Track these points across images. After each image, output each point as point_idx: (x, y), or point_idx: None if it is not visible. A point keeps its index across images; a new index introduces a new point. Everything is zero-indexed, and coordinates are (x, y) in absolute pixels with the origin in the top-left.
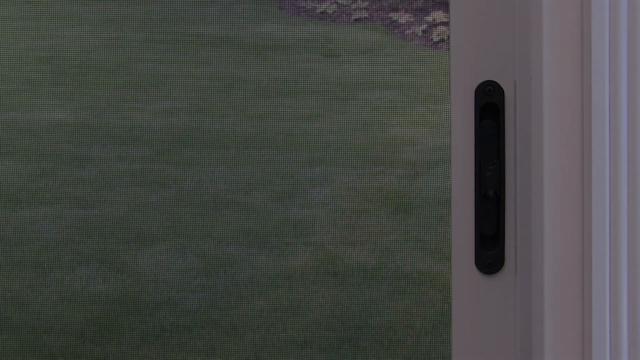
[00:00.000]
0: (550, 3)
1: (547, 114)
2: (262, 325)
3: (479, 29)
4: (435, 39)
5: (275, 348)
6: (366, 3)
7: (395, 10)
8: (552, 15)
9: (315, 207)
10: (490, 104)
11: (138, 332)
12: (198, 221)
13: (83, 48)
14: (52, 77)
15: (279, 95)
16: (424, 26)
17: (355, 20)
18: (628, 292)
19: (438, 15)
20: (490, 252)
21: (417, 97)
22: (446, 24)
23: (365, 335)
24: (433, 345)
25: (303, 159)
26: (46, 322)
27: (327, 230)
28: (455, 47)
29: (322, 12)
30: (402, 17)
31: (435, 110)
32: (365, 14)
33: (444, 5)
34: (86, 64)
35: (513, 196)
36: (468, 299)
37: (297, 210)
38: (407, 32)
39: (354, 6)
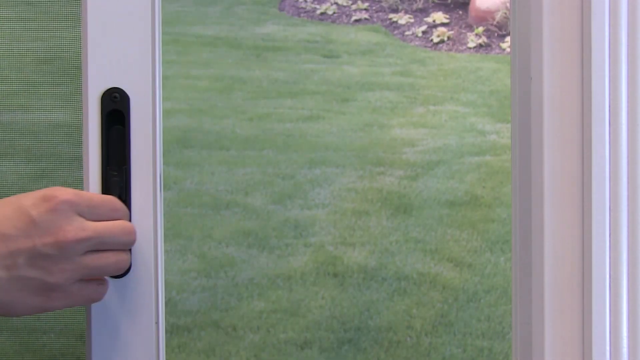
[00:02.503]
0: (550, 3)
1: (547, 114)
2: (262, 326)
3: (109, 35)
4: (435, 40)
5: (275, 348)
6: (366, 4)
7: (395, 11)
8: (552, 15)
9: (315, 208)
10: (117, 111)
11: None
12: (198, 222)
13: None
14: (52, 78)
15: (279, 96)
16: (424, 27)
17: (355, 21)
18: (628, 292)
19: (438, 17)
20: None
21: (417, 98)
22: (446, 25)
23: (366, 336)
24: (433, 346)
25: (303, 160)
26: (46, 322)
27: (327, 231)
28: (85, 52)
29: (322, 14)
30: (402, 19)
31: (435, 111)
32: (365, 15)
33: (444, 7)
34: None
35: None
36: (104, 304)
37: (297, 211)
38: (407, 33)
39: (354, 7)
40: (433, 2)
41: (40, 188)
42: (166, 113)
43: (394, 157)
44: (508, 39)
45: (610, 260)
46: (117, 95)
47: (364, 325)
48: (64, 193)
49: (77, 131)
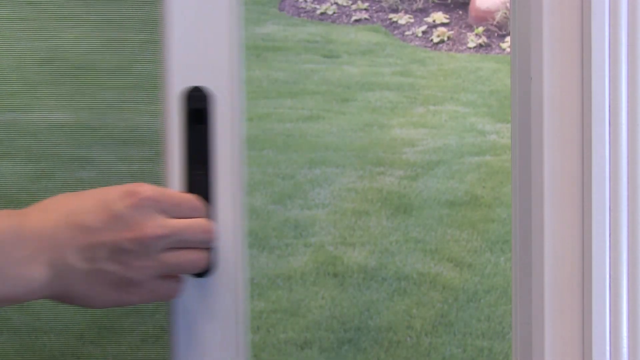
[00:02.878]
0: (550, 3)
1: (547, 114)
2: (262, 326)
3: (189, 33)
4: (435, 40)
5: (275, 348)
6: (366, 4)
7: (395, 11)
8: (552, 15)
9: (315, 208)
10: (200, 110)
11: (138, 333)
12: None
13: (83, 49)
14: (52, 78)
15: (279, 96)
16: (424, 27)
17: (355, 21)
18: (628, 292)
19: (438, 17)
20: None
21: (417, 98)
22: (446, 25)
23: (366, 336)
24: (433, 346)
25: (303, 160)
26: (46, 323)
27: (327, 231)
28: (165, 51)
29: (322, 14)
30: (402, 19)
31: (435, 111)
32: (365, 15)
33: (444, 7)
34: (86, 65)
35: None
36: (183, 302)
37: (297, 211)
38: (407, 33)
39: (354, 7)
40: (433, 2)
41: (40, 188)
42: (166, 113)
43: (394, 157)
44: (508, 39)
45: (610, 260)
46: (199, 94)
47: (364, 325)
48: (147, 189)
49: (78, 131)
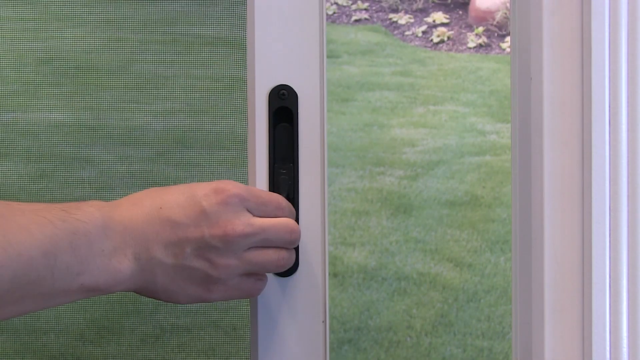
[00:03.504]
0: (550, 3)
1: (547, 114)
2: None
3: (275, 33)
4: (435, 40)
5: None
6: (366, 4)
7: (395, 11)
8: (552, 15)
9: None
10: (284, 108)
11: (138, 333)
12: None
13: (83, 49)
14: (52, 78)
15: None
16: (424, 27)
17: (355, 21)
18: (628, 292)
19: (438, 17)
20: None
21: (417, 98)
22: (446, 25)
23: (365, 336)
24: (433, 346)
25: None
26: (46, 323)
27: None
28: (251, 51)
29: None
30: (402, 19)
31: (435, 111)
32: (365, 15)
33: (444, 7)
34: (86, 65)
35: (306, 198)
36: (264, 301)
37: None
38: (407, 33)
39: (354, 7)
40: (433, 2)
41: (40, 188)
42: (166, 113)
43: (394, 157)
44: (508, 39)
45: (610, 260)
46: (284, 92)
47: (364, 325)
48: (235, 187)
49: (77, 131)
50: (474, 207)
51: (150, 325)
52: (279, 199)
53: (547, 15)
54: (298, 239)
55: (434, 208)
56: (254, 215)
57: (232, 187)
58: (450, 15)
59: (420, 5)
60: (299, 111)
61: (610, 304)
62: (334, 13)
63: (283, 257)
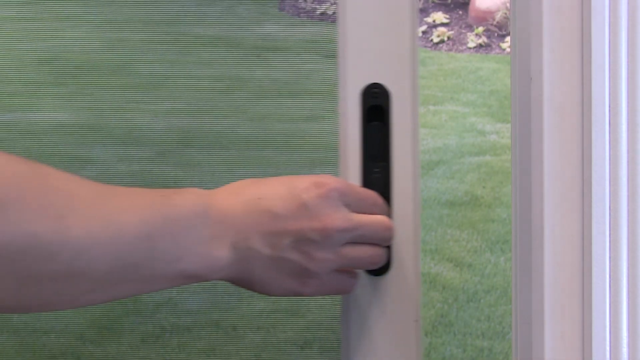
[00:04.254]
0: (550, 3)
1: (547, 114)
2: (262, 326)
3: (366, 30)
4: (435, 40)
5: (275, 348)
6: None
7: None
8: (552, 15)
9: None
10: (376, 106)
11: (138, 333)
12: None
13: (84, 49)
14: (52, 78)
15: (279, 96)
16: (424, 27)
17: None
18: (628, 292)
19: (438, 17)
20: None
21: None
22: (446, 25)
23: None
24: (433, 346)
25: (303, 160)
26: (46, 323)
27: None
28: (342, 49)
29: (322, 13)
30: None
31: (435, 111)
32: None
33: (444, 7)
34: (86, 65)
35: (399, 197)
36: (355, 300)
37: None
38: None
39: None
40: (433, 2)
41: None
42: (166, 113)
43: None
44: (508, 39)
45: (610, 260)
46: (377, 90)
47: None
48: (335, 181)
49: (77, 131)
50: (474, 207)
51: (150, 325)
52: (374, 195)
53: (547, 15)
54: (392, 236)
55: (433, 208)
56: (351, 211)
57: (332, 181)
58: (450, 15)
59: (420, 5)
60: (391, 109)
61: (610, 304)
62: (334, 13)
63: (377, 254)
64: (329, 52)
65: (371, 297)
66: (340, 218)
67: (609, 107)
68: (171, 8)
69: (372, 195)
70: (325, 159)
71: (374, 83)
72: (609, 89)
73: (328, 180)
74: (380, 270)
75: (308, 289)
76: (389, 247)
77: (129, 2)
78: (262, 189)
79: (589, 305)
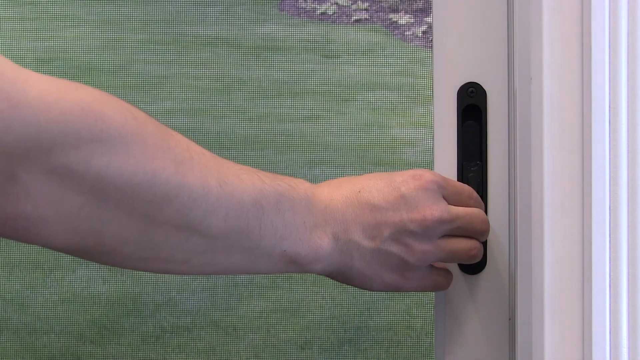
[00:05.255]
0: (550, 3)
1: (547, 114)
2: (262, 326)
3: (461, 30)
4: None
5: (275, 349)
6: (366, 4)
7: (395, 11)
8: (552, 15)
9: None
10: (472, 106)
11: (138, 333)
12: None
13: (83, 49)
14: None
15: (279, 96)
16: (424, 27)
17: (356, 21)
18: (628, 292)
19: None
20: None
21: (417, 98)
22: None
23: (366, 336)
24: (433, 346)
25: (303, 160)
26: (46, 323)
27: None
28: (438, 48)
29: (322, 13)
30: (402, 18)
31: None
32: (365, 15)
33: None
34: (86, 65)
35: (496, 196)
36: (450, 298)
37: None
38: (407, 33)
39: (354, 7)
40: None
41: None
42: (166, 113)
43: (394, 157)
44: None
45: (610, 260)
46: (473, 90)
47: (364, 325)
48: (432, 174)
49: None
50: None
51: (150, 325)
52: (470, 189)
53: (547, 15)
54: (488, 230)
55: None
56: (449, 204)
57: (429, 174)
58: None
59: (420, 5)
60: (488, 108)
61: (610, 304)
62: (334, 13)
63: (475, 247)
64: (329, 52)
65: (466, 295)
66: (439, 209)
67: (609, 107)
68: (171, 8)
69: (468, 188)
70: (325, 159)
71: (470, 82)
72: (609, 89)
73: (426, 173)
74: (476, 269)
75: (409, 283)
76: (484, 247)
77: (128, 2)
78: (361, 183)
79: (589, 305)
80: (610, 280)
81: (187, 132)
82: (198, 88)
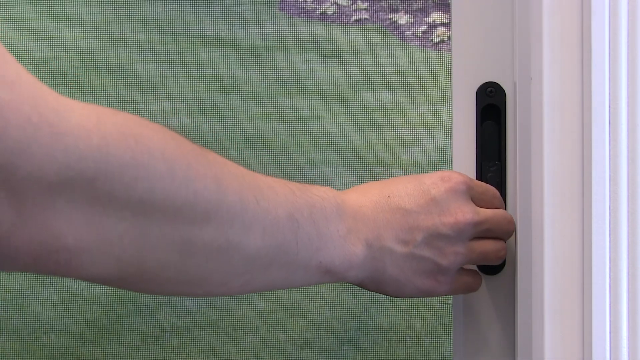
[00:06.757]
0: (550, 3)
1: (547, 114)
2: (262, 326)
3: (480, 29)
4: (435, 40)
5: (275, 349)
6: (366, 4)
7: (395, 11)
8: (552, 15)
9: None
10: (491, 105)
11: (138, 333)
12: None
13: (83, 49)
14: (52, 78)
15: (279, 96)
16: (424, 27)
17: (355, 21)
18: (628, 292)
19: (438, 17)
20: None
21: (417, 98)
22: (446, 25)
23: (366, 336)
24: (433, 347)
25: (303, 160)
26: (46, 323)
27: None
28: (457, 48)
29: (322, 13)
30: (402, 18)
31: (435, 111)
32: (365, 15)
33: (444, 7)
34: (86, 65)
35: (513, 197)
36: (468, 300)
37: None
38: (407, 33)
39: (354, 7)
40: (433, 2)
41: None
42: (166, 113)
43: (394, 157)
44: None
45: (610, 260)
46: (492, 89)
47: (364, 325)
48: (460, 175)
49: None
50: None
51: (150, 325)
52: (494, 189)
53: (547, 15)
54: (513, 230)
55: None
56: (476, 204)
57: (457, 175)
58: (450, 15)
59: (420, 5)
60: (507, 108)
61: (610, 304)
62: (334, 13)
63: (501, 248)
64: (329, 52)
65: (484, 296)
66: (470, 211)
67: (609, 107)
68: (171, 8)
69: (492, 189)
70: (325, 159)
71: (489, 82)
72: (609, 89)
73: (453, 174)
74: (495, 270)
75: (442, 287)
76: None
77: (128, 2)
78: (389, 188)
79: (589, 305)
80: (610, 280)
81: (187, 132)
82: (198, 88)
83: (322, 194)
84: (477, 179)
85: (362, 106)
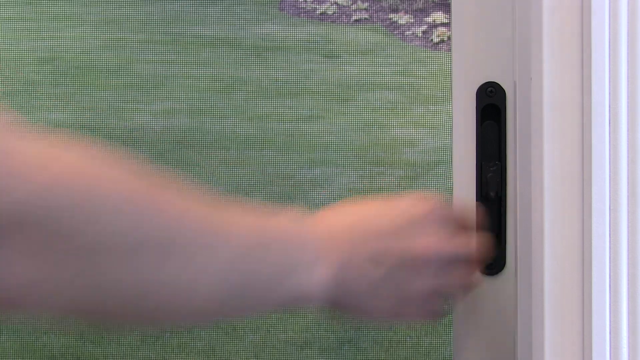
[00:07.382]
0: (550, 3)
1: (547, 114)
2: (262, 326)
3: (480, 29)
4: (435, 40)
5: (275, 349)
6: (366, 4)
7: (395, 11)
8: (552, 15)
9: (316, 208)
10: (491, 105)
11: (138, 333)
12: None
13: (83, 49)
14: (52, 78)
15: (279, 96)
16: (424, 27)
17: (355, 21)
18: (628, 292)
19: (438, 16)
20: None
21: (417, 98)
22: (446, 25)
23: (366, 336)
24: (433, 347)
25: (303, 160)
26: (46, 323)
27: None
28: (457, 48)
29: (322, 13)
30: (402, 18)
31: (435, 111)
32: (365, 15)
33: (444, 6)
34: (86, 65)
35: (513, 197)
36: (469, 300)
37: (297, 211)
38: (407, 33)
39: (354, 7)
40: (433, 2)
41: None
42: (166, 113)
43: (394, 157)
44: None
45: (610, 260)
46: (492, 89)
47: (364, 325)
48: (433, 200)
49: (78, 130)
50: None
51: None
52: (465, 213)
53: (547, 15)
54: (485, 256)
55: None
56: (448, 228)
57: (431, 200)
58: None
59: (420, 5)
60: (507, 108)
61: (610, 304)
62: (334, 13)
63: (470, 275)
64: (329, 52)
65: (484, 296)
66: (444, 236)
67: (609, 107)
68: (171, 8)
69: (464, 213)
70: (325, 159)
71: (489, 82)
72: (609, 89)
73: (427, 199)
74: (495, 270)
75: (408, 312)
76: (503, 248)
77: (128, 2)
78: (364, 210)
79: (589, 305)
80: (610, 280)
81: (187, 132)
82: (198, 88)
83: (291, 220)
84: (477, 178)
85: (362, 106)
